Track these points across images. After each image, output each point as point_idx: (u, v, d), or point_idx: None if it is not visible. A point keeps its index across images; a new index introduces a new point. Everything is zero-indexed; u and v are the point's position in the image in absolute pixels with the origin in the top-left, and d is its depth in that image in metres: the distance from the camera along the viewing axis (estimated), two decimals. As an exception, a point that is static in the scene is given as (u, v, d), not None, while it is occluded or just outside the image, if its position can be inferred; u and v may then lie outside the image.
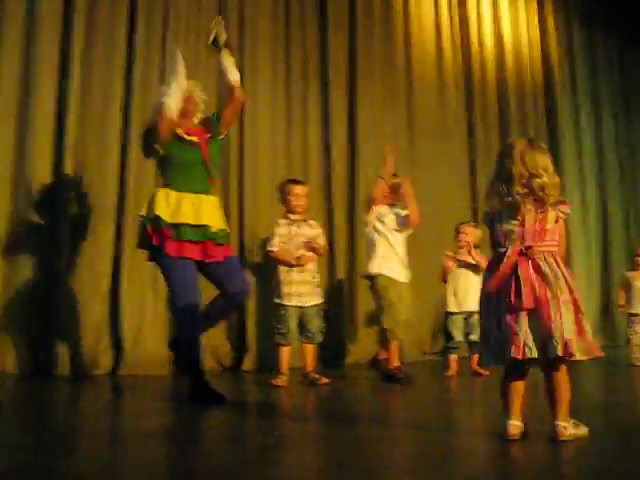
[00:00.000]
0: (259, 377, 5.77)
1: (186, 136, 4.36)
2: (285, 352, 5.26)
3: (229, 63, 4.48)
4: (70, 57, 6.01)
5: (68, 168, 5.90)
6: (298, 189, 5.40)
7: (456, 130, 8.57)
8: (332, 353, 6.93)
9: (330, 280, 7.18)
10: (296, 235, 5.34)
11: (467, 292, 5.86)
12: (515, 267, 2.86)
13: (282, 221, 5.41)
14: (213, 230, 4.27)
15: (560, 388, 2.84)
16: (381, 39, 8.05)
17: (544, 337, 2.78)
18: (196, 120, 4.54)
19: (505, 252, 2.89)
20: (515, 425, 2.88)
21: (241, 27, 6.98)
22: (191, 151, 4.36)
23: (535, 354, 2.79)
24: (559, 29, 9.96)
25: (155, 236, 4.20)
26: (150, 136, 4.42)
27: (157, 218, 4.18)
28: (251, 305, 6.49)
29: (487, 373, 5.72)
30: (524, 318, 2.81)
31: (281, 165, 7.07)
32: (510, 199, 2.89)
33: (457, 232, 5.98)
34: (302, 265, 5.29)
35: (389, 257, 5.51)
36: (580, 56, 10.24)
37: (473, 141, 8.68)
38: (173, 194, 4.26)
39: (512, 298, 2.83)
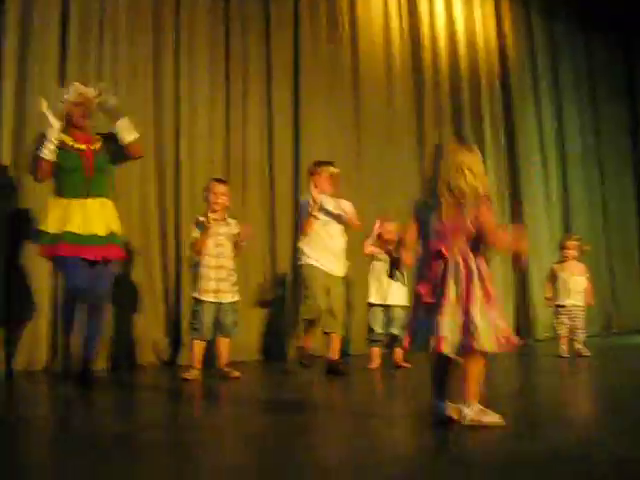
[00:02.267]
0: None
1: (74, 144, 4.68)
2: (198, 346, 5.36)
3: (122, 127, 4.73)
4: (4, 56, 6.10)
5: (3, 166, 6.01)
6: (217, 187, 5.50)
7: (405, 129, 8.55)
8: (274, 347, 7.08)
9: (273, 273, 7.30)
10: (215, 234, 5.42)
11: (389, 285, 5.91)
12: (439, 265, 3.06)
13: (201, 219, 5.52)
14: (99, 235, 4.60)
15: (467, 375, 3.02)
16: (327, 36, 8.06)
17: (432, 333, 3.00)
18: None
19: (432, 252, 3.08)
20: (445, 406, 3.07)
21: (178, 26, 7.06)
22: (76, 158, 4.66)
23: (450, 349, 2.98)
24: (517, 20, 9.88)
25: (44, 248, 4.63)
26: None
27: (42, 232, 4.63)
28: (188, 300, 6.59)
29: (409, 366, 5.83)
30: (446, 313, 2.99)
31: (219, 167, 7.13)
32: (435, 197, 3.10)
33: (378, 226, 6.03)
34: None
35: (319, 248, 5.59)
36: (541, 47, 10.19)
37: (424, 140, 8.64)
38: (63, 202, 4.61)
39: (433, 295, 3.05)
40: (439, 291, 3.03)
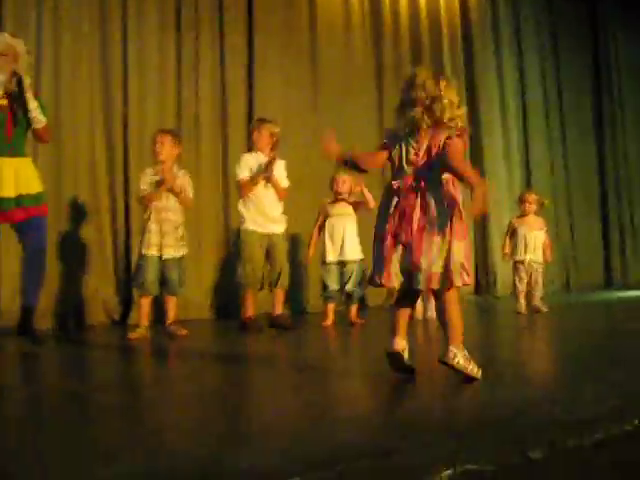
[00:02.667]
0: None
1: None
2: (143, 302, 5.19)
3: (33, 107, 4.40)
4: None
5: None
6: (159, 137, 5.28)
7: (364, 82, 8.34)
8: (227, 305, 6.93)
9: (226, 229, 7.13)
10: (159, 185, 5.20)
11: (344, 241, 5.83)
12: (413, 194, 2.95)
13: (148, 170, 5.32)
14: (10, 197, 4.33)
15: (447, 314, 2.96)
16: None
17: (411, 270, 2.92)
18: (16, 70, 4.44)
19: (396, 183, 2.98)
20: (398, 342, 3.02)
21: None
22: None
23: (397, 284, 2.98)
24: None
25: None
26: None
27: None
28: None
29: (363, 322, 5.74)
30: (399, 249, 2.95)
31: (170, 121, 6.89)
32: (410, 117, 2.98)
33: (333, 180, 5.91)
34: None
35: (256, 209, 5.54)
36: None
37: (384, 94, 8.45)
38: None
39: (391, 230, 2.96)
40: (416, 227, 2.92)
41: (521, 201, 6.63)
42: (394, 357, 3.02)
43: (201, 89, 7.14)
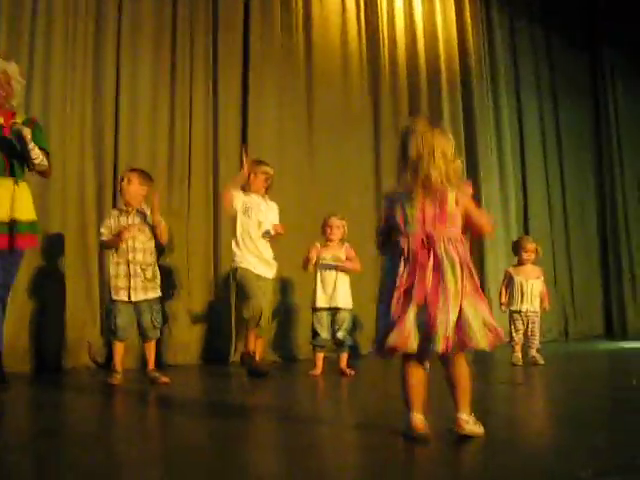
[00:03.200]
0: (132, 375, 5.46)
1: None
2: (118, 348, 5.03)
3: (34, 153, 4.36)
4: None
5: None
6: (126, 175, 5.17)
7: (361, 123, 8.22)
8: (217, 350, 6.74)
9: (215, 274, 6.96)
10: (125, 225, 5.07)
11: (335, 287, 5.68)
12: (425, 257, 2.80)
13: (114, 212, 5.24)
14: (3, 221, 4.26)
15: (458, 380, 2.81)
16: (279, 22, 7.69)
17: (428, 331, 2.72)
18: (8, 107, 4.36)
19: (403, 242, 2.84)
20: (419, 419, 2.78)
21: (120, 12, 6.67)
22: None
23: (414, 347, 2.74)
24: (476, 16, 9.56)
25: None
26: None
27: None
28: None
29: (352, 373, 5.55)
30: (412, 309, 2.75)
31: (162, 150, 6.79)
32: (406, 183, 2.87)
33: (325, 225, 5.77)
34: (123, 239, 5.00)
35: (249, 252, 5.52)
36: (501, 42, 9.88)
37: (381, 136, 8.34)
38: None
39: (403, 291, 2.78)
40: (430, 285, 2.76)
41: (518, 249, 6.48)
42: (422, 440, 2.75)
43: (194, 130, 7.00)
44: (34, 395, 4.73)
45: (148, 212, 5.13)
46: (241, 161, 5.51)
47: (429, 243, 2.79)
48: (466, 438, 2.76)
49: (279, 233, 5.56)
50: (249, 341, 5.45)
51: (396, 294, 2.78)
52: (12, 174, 4.35)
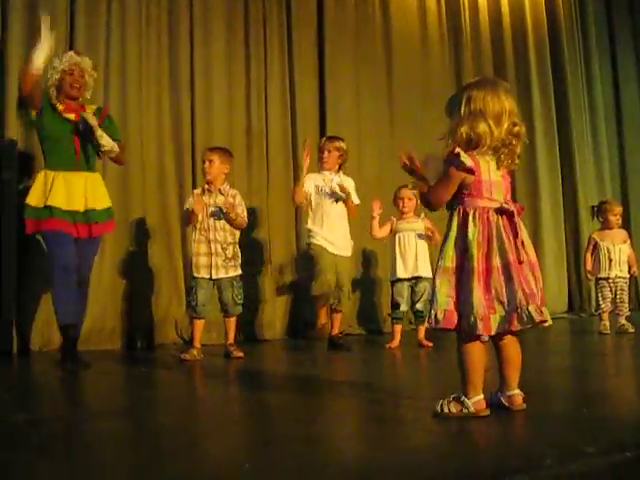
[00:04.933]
0: (213, 350, 5.52)
1: (65, 113, 4.47)
2: (197, 325, 5.13)
3: (103, 141, 4.47)
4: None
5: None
6: (207, 155, 5.22)
7: (443, 92, 7.98)
8: (301, 325, 6.81)
9: (297, 251, 6.99)
10: (207, 205, 5.13)
11: (416, 257, 5.60)
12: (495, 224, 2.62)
13: (196, 192, 5.29)
14: (80, 211, 4.43)
15: (515, 357, 2.66)
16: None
17: (519, 305, 2.56)
18: (81, 100, 4.55)
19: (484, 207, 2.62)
20: (481, 400, 2.61)
21: (191, 3, 6.72)
22: (63, 125, 4.46)
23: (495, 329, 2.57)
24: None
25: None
26: (23, 104, 4.49)
27: (27, 206, 4.47)
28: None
29: (431, 345, 5.49)
30: (497, 283, 2.57)
31: (239, 131, 6.85)
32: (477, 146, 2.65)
33: (397, 197, 5.72)
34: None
35: (325, 228, 5.48)
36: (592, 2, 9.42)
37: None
38: (49, 175, 4.44)
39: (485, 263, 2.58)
40: (505, 255, 2.58)
41: (603, 213, 6.22)
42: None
43: (270, 109, 7.03)
44: (119, 370, 4.89)
45: (229, 192, 5.20)
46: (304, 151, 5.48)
47: (510, 208, 2.63)
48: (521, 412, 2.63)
49: (347, 192, 5.45)
50: (320, 317, 5.48)
51: (479, 267, 2.59)
52: (84, 166, 4.53)
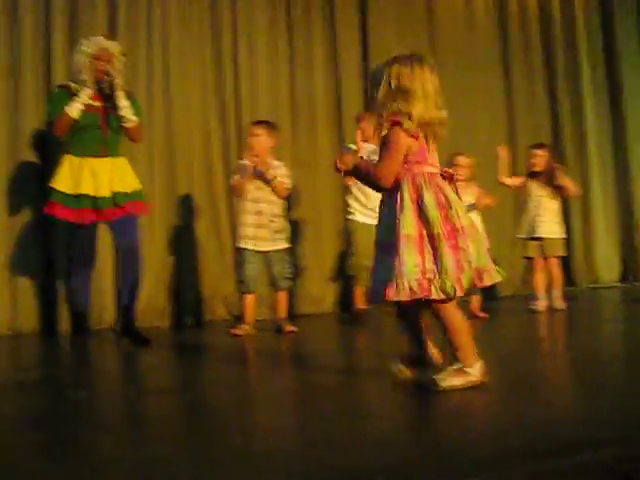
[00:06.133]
0: (262, 325, 5.49)
1: (90, 101, 4.40)
2: (248, 300, 5.09)
3: (124, 108, 4.41)
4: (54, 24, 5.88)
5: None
6: (252, 129, 5.17)
7: (488, 56, 7.87)
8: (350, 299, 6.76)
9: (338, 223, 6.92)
10: (254, 177, 5.09)
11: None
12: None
13: (242, 162, 5.25)
14: (106, 197, 4.39)
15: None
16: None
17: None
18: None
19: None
20: (482, 364, 2.61)
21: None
22: (89, 113, 4.40)
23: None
24: None
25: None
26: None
27: (53, 191, 4.44)
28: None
29: (486, 316, 5.40)
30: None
31: (284, 107, 6.79)
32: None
33: (451, 165, 5.59)
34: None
35: (363, 200, 5.41)
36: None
37: (509, 69, 8.00)
38: (75, 160, 4.41)
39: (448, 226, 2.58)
40: (463, 215, 2.62)
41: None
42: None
43: (315, 81, 6.95)
44: (171, 347, 4.92)
45: (275, 165, 5.15)
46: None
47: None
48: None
49: None
50: (356, 297, 5.48)
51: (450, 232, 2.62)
52: (110, 152, 4.48)
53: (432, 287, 2.50)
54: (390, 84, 2.63)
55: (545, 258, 5.74)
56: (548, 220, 5.69)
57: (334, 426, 2.17)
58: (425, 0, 7.64)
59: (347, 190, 5.53)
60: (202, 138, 6.40)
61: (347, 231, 5.49)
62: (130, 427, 2.37)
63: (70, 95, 4.37)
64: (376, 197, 5.25)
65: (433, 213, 2.53)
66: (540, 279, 5.74)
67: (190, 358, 4.22)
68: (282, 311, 5.15)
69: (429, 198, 2.56)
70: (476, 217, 5.49)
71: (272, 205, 5.09)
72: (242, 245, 5.06)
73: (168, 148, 6.18)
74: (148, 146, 5.91)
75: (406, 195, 2.59)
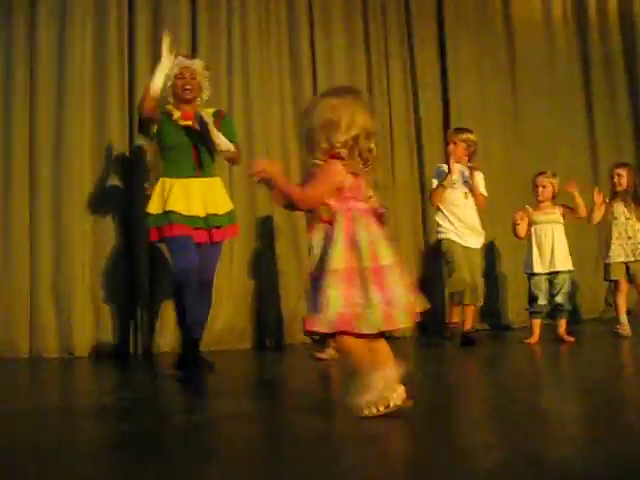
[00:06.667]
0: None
1: (181, 121, 4.38)
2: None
3: (217, 139, 4.33)
4: (136, 36, 6.05)
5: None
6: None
7: (569, 80, 7.74)
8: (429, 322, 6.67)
9: (425, 246, 6.88)
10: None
11: (553, 250, 5.40)
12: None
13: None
14: (199, 217, 4.33)
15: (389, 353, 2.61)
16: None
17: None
18: (199, 101, 4.50)
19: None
20: (403, 390, 2.54)
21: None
22: (180, 133, 4.38)
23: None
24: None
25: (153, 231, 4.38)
26: (144, 123, 4.51)
27: (147, 215, 4.39)
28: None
29: (572, 339, 5.27)
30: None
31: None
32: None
33: (533, 185, 5.50)
34: None
35: (454, 220, 5.43)
36: None
37: (590, 93, 7.85)
38: (167, 182, 4.36)
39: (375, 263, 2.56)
40: (388, 255, 2.58)
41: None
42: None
43: (392, 97, 6.94)
44: (252, 371, 4.90)
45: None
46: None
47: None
48: None
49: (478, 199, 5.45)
50: (452, 313, 5.57)
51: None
52: (203, 172, 4.43)
53: (356, 321, 2.49)
54: (326, 117, 2.61)
55: (630, 281, 5.55)
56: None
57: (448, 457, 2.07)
58: (502, 17, 7.56)
59: (437, 210, 5.54)
60: (281, 156, 6.38)
61: (443, 250, 5.48)
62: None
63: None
64: (465, 218, 5.30)
65: (364, 248, 2.53)
66: (623, 302, 5.56)
67: (273, 381, 4.20)
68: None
69: (361, 233, 2.55)
70: (560, 233, 5.41)
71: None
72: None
73: (247, 167, 6.20)
74: (227, 168, 5.95)
75: (340, 228, 2.56)
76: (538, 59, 7.59)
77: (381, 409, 2.50)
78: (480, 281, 5.53)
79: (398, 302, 2.51)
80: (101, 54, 5.94)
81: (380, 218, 2.65)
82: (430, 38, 7.17)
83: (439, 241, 5.57)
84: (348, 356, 2.58)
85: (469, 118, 6.75)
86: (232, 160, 4.62)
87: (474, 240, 5.48)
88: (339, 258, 2.52)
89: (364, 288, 2.50)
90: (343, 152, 2.58)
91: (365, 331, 2.50)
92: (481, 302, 5.62)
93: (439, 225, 5.50)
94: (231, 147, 4.39)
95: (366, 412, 2.50)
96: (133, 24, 6.04)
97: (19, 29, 5.81)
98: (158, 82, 4.28)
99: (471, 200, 5.45)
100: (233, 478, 1.87)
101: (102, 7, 5.94)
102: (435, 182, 5.51)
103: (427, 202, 6.76)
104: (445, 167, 5.46)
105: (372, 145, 2.64)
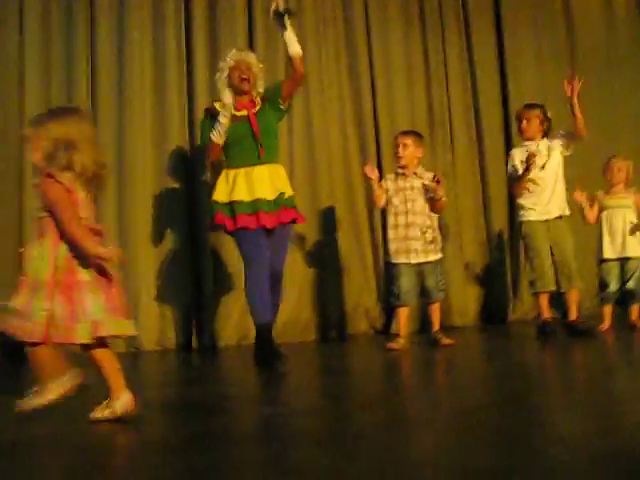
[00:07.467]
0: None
1: (236, 112, 4.36)
2: (401, 313, 4.98)
3: (290, 36, 4.33)
4: (194, 39, 6.10)
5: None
6: (398, 139, 5.06)
7: (630, 55, 7.49)
8: (495, 309, 6.60)
9: (488, 234, 6.77)
10: (403, 189, 4.98)
11: (625, 236, 5.27)
12: None
13: (390, 176, 5.13)
14: (267, 200, 4.27)
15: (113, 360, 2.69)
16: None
17: None
18: (255, 93, 4.46)
19: None
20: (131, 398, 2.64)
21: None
22: (239, 125, 4.35)
23: None
24: None
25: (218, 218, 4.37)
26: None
27: (215, 203, 4.37)
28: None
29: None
30: None
31: (421, 116, 6.70)
32: None
33: (605, 168, 5.37)
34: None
35: (530, 197, 5.06)
36: None
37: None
38: (231, 173, 4.36)
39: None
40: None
41: None
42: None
43: (450, 86, 6.85)
44: (318, 362, 4.90)
45: (425, 175, 5.02)
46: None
47: None
48: None
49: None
50: (541, 307, 5.06)
51: None
52: (266, 159, 4.37)
53: (49, 330, 2.53)
54: (50, 137, 2.59)
55: None
56: None
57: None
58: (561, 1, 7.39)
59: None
60: (341, 151, 6.41)
61: (523, 234, 5.15)
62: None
63: (215, 117, 4.38)
64: (548, 192, 5.01)
65: (61, 264, 2.57)
66: None
67: (350, 373, 4.17)
68: (436, 323, 5.03)
69: (63, 249, 2.58)
70: (632, 218, 5.27)
71: (423, 216, 4.97)
72: (395, 260, 4.96)
73: (309, 161, 6.21)
74: (289, 159, 5.95)
75: (48, 243, 2.59)
76: (598, 41, 7.39)
77: (107, 415, 2.60)
78: (573, 260, 5.00)
79: (93, 315, 2.56)
80: (161, 52, 5.99)
81: (98, 234, 2.66)
82: (487, 25, 7.05)
83: (520, 223, 5.23)
84: (32, 362, 2.63)
85: (528, 99, 6.59)
86: (297, 65, 4.41)
87: (557, 208, 5.04)
88: (44, 270, 2.57)
89: (59, 301, 2.55)
90: (57, 172, 2.58)
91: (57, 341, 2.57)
92: (578, 284, 5.05)
93: (520, 206, 5.16)
94: (299, 51, 4.39)
95: (98, 415, 2.61)
96: (190, 19, 6.08)
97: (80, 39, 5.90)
98: (222, 132, 4.32)
99: (551, 172, 5.05)
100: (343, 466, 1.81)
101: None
102: (510, 167, 5.20)
103: (489, 188, 6.71)
104: (519, 152, 5.17)
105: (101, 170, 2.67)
